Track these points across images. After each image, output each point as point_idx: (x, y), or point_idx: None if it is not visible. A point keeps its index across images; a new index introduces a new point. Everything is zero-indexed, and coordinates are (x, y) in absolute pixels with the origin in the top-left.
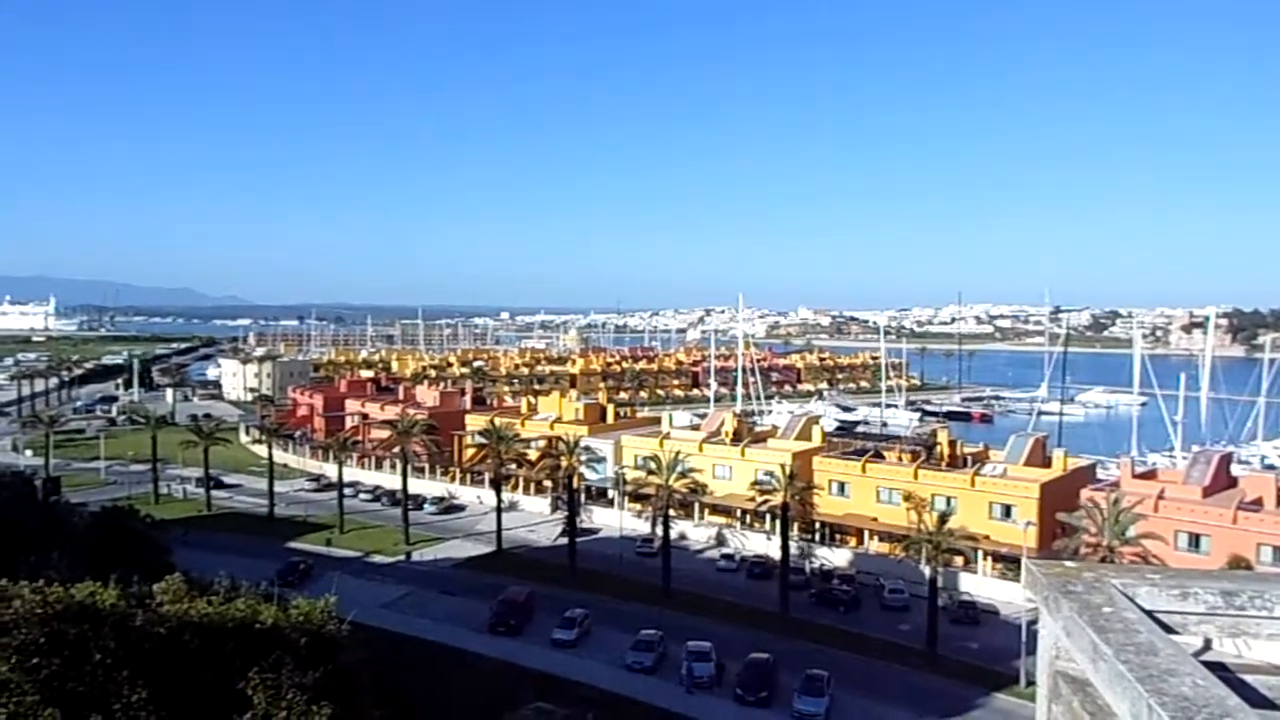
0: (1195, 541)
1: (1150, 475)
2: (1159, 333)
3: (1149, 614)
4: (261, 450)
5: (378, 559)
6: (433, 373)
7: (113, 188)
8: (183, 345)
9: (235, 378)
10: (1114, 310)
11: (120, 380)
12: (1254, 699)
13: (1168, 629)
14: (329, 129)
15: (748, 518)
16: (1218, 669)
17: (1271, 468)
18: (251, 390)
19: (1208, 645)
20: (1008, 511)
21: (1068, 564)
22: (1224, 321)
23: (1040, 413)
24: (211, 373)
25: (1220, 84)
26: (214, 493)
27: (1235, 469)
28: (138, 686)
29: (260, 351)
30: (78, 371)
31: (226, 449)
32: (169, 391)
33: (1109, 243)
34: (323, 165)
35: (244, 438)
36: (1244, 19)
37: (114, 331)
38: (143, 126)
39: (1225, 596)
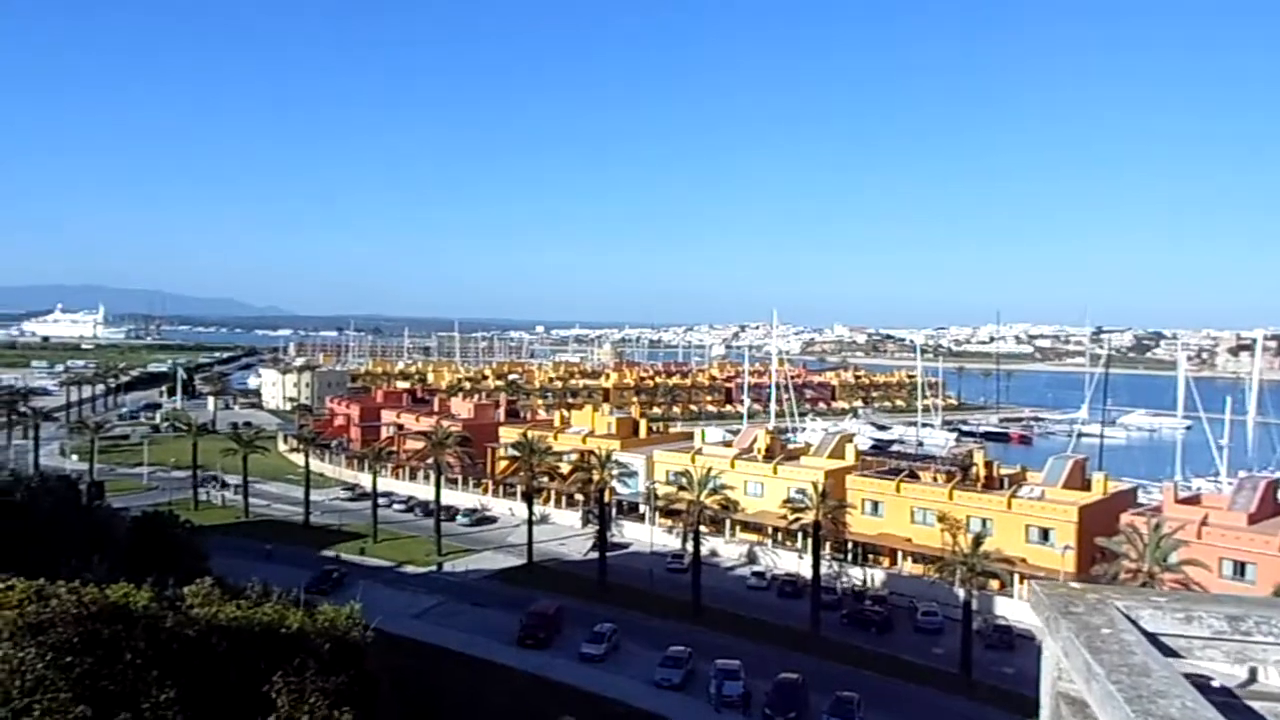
0: (1240, 569)
1: (1194, 501)
2: (1204, 355)
3: (1151, 637)
4: (298, 459)
5: (410, 569)
6: (468, 385)
7: (164, 199)
8: (225, 354)
9: (275, 387)
10: (1158, 331)
11: (164, 388)
12: None
13: (1171, 653)
14: (372, 143)
15: (779, 535)
16: (1222, 694)
17: None
18: (290, 399)
19: (1253, 676)
20: (1045, 535)
21: (1072, 585)
22: (1272, 344)
23: (1080, 435)
24: (252, 382)
25: (1268, 99)
26: (233, 496)
27: None
28: (166, 686)
29: (299, 361)
30: (124, 379)
31: (265, 457)
32: (210, 400)
33: (1153, 262)
34: (365, 178)
35: (282, 446)
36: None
37: (160, 340)
38: (191, 138)
39: (1231, 621)
